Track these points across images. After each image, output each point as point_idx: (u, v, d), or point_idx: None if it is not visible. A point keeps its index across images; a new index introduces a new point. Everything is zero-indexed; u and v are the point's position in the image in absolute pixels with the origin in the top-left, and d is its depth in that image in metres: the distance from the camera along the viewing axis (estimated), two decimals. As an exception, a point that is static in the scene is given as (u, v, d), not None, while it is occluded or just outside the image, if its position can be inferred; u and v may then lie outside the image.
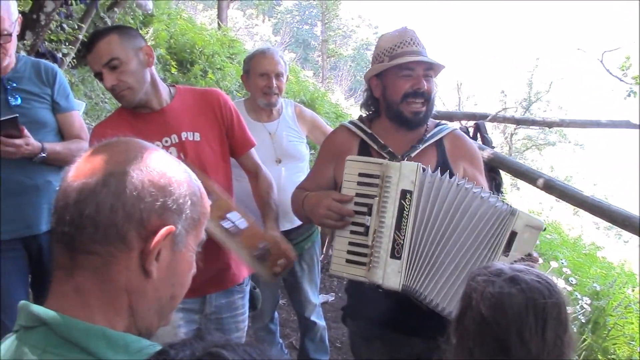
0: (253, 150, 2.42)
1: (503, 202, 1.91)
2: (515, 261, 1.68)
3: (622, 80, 7.60)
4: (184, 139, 2.18)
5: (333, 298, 4.89)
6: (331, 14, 28.31)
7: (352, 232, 1.96)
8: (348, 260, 1.95)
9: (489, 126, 14.78)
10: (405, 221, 1.85)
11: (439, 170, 1.92)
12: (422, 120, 2.13)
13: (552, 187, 3.86)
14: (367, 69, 2.24)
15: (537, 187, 4.06)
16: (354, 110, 13.73)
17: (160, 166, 0.94)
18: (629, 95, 7.53)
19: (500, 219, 1.86)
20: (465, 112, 11.43)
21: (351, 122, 2.25)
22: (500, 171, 4.37)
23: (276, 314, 3.49)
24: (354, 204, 1.95)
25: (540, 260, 1.93)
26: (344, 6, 30.63)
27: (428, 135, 2.15)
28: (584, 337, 3.80)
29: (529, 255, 1.82)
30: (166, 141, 2.14)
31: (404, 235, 1.85)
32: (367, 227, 1.92)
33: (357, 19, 35.31)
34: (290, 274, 3.23)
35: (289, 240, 3.06)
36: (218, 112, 2.27)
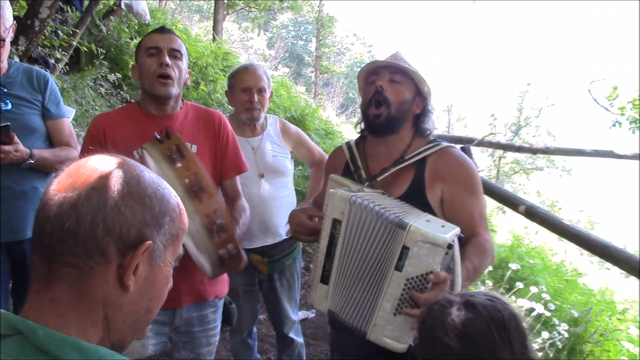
0: (238, 179, 2.46)
1: (397, 215, 1.76)
2: (410, 278, 1.69)
3: (609, 110, 7.71)
4: None
5: (313, 315, 4.88)
6: (326, 30, 28.50)
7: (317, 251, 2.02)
8: (313, 280, 1.99)
9: (478, 149, 14.95)
10: (334, 249, 1.88)
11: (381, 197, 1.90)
12: (383, 125, 2.05)
13: (533, 214, 3.91)
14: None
15: (519, 213, 4.10)
16: (345, 128, 13.79)
17: (142, 182, 0.95)
18: (614, 125, 7.63)
19: (387, 231, 1.76)
20: (451, 135, 11.52)
21: (346, 143, 2.27)
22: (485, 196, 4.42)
23: (255, 329, 3.49)
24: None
25: (447, 280, 1.69)
26: (339, 24, 30.84)
27: (408, 156, 2.05)
28: (559, 362, 3.83)
29: (430, 273, 1.67)
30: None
31: (332, 262, 1.89)
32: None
33: (352, 36, 35.57)
34: (270, 290, 3.24)
35: (270, 256, 3.09)
36: (217, 131, 2.37)
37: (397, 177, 2.05)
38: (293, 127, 3.35)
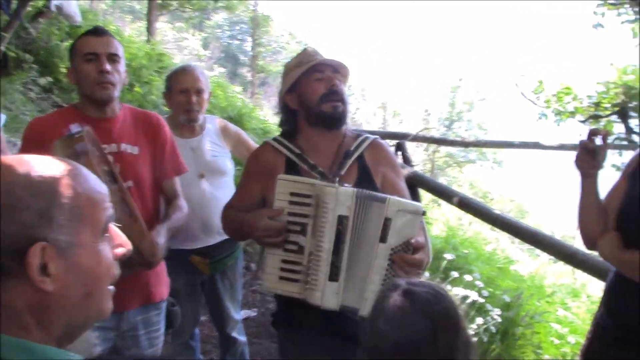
0: (178, 180, 2.47)
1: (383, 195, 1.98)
2: (394, 247, 1.88)
3: (535, 104, 8.06)
4: (122, 149, 2.26)
5: (255, 314, 4.91)
6: (261, 30, 28.36)
7: (286, 249, 2.03)
8: (281, 277, 2.02)
9: (412, 144, 15.27)
10: (342, 245, 1.94)
11: (375, 193, 2.00)
12: (342, 117, 2.21)
13: (466, 205, 4.07)
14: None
15: (453, 204, 4.26)
16: (282, 127, 13.76)
17: (10, 189, 0.89)
18: (540, 118, 7.99)
19: (373, 208, 1.93)
20: (387, 131, 11.74)
21: (275, 140, 2.29)
22: (420, 189, 4.57)
23: (197, 330, 3.49)
24: (287, 223, 2.02)
25: (426, 245, 1.99)
26: (275, 23, 30.76)
27: (352, 149, 2.22)
28: (493, 346, 4.01)
29: (408, 241, 1.89)
30: (104, 148, 2.17)
31: (341, 259, 1.94)
32: (302, 247, 2.00)
33: (287, 35, 35.54)
34: (211, 290, 3.25)
35: (212, 256, 3.10)
36: (155, 132, 2.39)
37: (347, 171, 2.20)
38: (233, 127, 3.38)
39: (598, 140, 2.07)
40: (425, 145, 15.77)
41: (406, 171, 4.49)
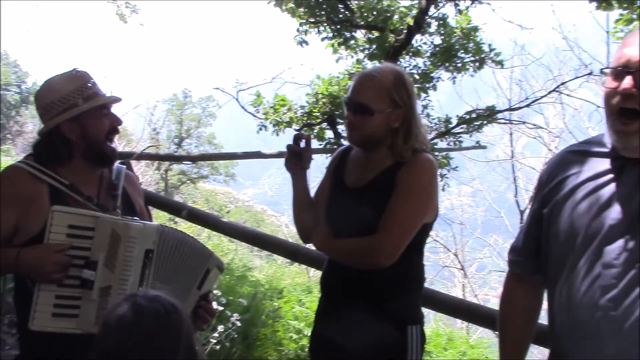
0: None
1: (204, 245, 2.18)
2: (202, 295, 2.08)
3: (255, 116, 8.49)
4: None
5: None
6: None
7: (61, 285, 1.92)
8: (55, 314, 1.92)
9: (142, 163, 14.93)
10: (147, 277, 1.95)
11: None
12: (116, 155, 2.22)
13: (195, 216, 4.13)
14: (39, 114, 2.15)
15: (183, 217, 4.27)
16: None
17: None
18: (260, 129, 8.45)
19: (195, 256, 2.09)
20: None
21: (30, 166, 2.06)
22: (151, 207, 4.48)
23: None
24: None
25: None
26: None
27: (114, 179, 2.22)
28: (234, 349, 4.12)
29: (209, 292, 2.14)
30: None
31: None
32: (89, 281, 1.92)
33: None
34: None
35: None
36: None
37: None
38: None
39: (302, 144, 2.29)
40: (156, 164, 15.54)
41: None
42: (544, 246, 1.75)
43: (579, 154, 1.73)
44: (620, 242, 1.52)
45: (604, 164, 1.62)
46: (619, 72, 1.52)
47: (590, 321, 1.54)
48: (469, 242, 13.92)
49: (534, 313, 1.89)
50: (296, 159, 2.31)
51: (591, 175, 1.63)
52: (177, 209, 4.39)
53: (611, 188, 1.57)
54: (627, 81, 1.49)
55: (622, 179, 1.56)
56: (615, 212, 1.54)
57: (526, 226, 1.87)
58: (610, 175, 1.59)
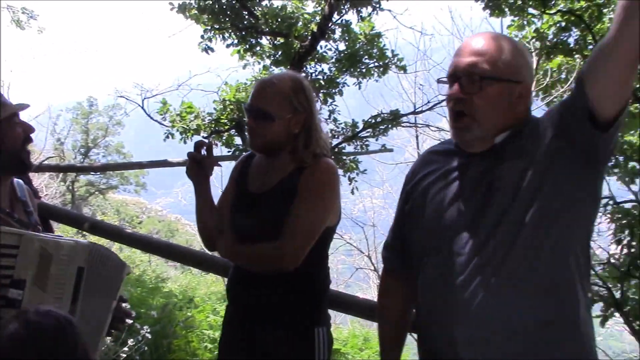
0: None
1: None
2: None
3: (162, 124, 8.35)
4: None
5: None
6: None
7: None
8: None
9: (45, 175, 14.25)
10: (79, 294, 1.90)
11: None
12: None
13: (98, 229, 4.00)
14: None
15: (85, 230, 4.14)
16: None
17: None
18: (167, 137, 8.31)
19: (120, 269, 2.09)
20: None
21: None
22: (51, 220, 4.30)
23: None
24: None
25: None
26: None
27: (20, 195, 2.14)
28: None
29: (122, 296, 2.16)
30: None
31: (77, 309, 1.88)
32: (16, 300, 1.81)
33: None
34: None
35: None
36: None
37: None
38: None
39: (203, 151, 2.29)
40: (61, 175, 14.89)
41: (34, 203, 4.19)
42: (407, 241, 1.89)
43: (438, 153, 1.90)
44: (465, 234, 1.67)
45: (455, 161, 1.78)
46: (450, 79, 1.71)
47: (443, 305, 1.68)
48: (382, 244, 14.23)
49: (407, 305, 1.99)
50: (198, 167, 2.31)
51: (443, 172, 1.78)
52: (78, 222, 4.24)
53: (458, 184, 1.73)
54: (455, 87, 1.69)
55: (468, 174, 1.72)
56: (461, 206, 1.70)
57: (394, 223, 2.00)
58: (458, 172, 1.75)
